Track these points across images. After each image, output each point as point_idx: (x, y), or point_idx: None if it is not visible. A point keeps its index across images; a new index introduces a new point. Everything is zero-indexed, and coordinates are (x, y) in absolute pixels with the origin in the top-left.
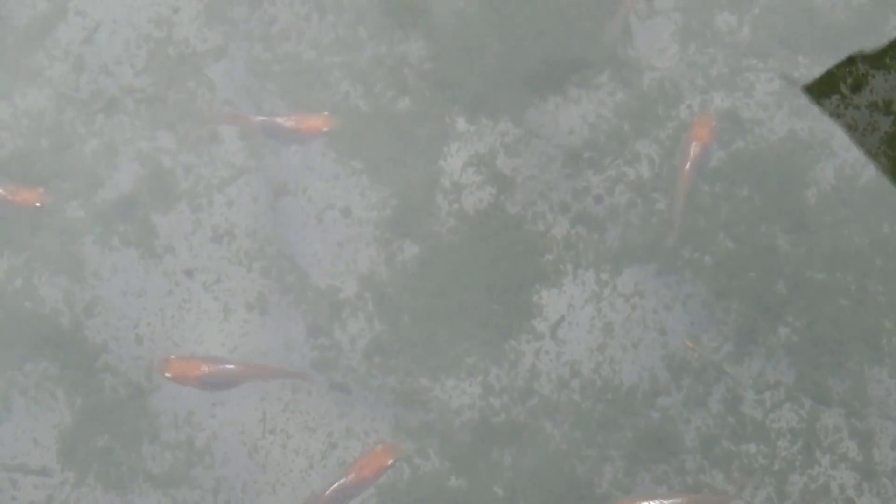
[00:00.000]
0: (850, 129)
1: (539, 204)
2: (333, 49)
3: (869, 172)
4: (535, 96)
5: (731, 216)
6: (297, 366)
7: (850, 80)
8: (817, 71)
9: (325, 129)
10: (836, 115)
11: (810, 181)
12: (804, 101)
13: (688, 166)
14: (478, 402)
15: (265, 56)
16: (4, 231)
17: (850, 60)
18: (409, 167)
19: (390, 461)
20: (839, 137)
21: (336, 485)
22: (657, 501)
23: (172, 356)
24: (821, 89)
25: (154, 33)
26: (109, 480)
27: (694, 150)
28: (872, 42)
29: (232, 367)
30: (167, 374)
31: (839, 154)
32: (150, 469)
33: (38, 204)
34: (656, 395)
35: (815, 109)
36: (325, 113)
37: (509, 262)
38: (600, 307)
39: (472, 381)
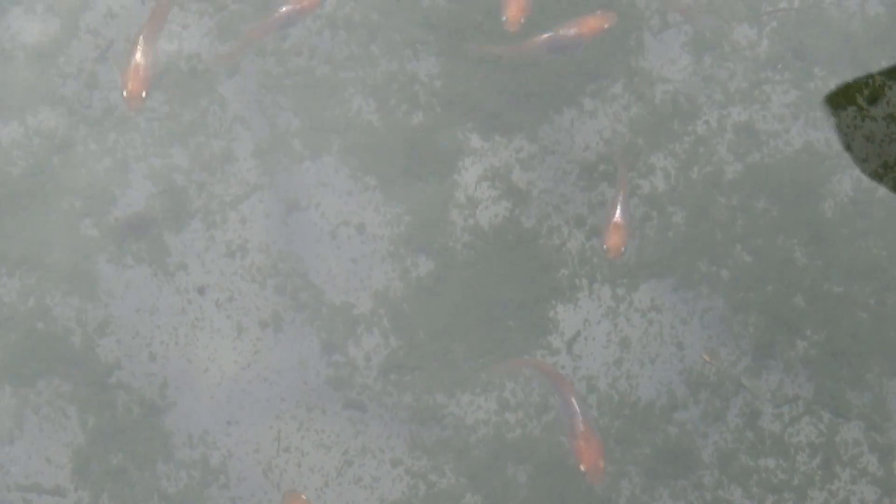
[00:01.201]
0: (868, 140)
1: (554, 218)
2: (346, 65)
3: (887, 184)
4: (549, 110)
5: (747, 229)
6: (312, 384)
7: (866, 92)
8: (833, 82)
9: (606, 25)
10: (852, 127)
11: (827, 193)
12: (820, 112)
13: None
14: (493, 418)
15: (277, 71)
16: (16, 251)
17: (867, 71)
18: (424, 182)
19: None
20: (856, 149)
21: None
22: None
23: (304, 497)
24: (837, 101)
25: (165, 49)
26: (123, 500)
27: None
28: (889, 53)
29: None
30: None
31: (856, 166)
32: (165, 489)
33: None
34: (674, 410)
35: (831, 121)
36: (598, 11)
37: (525, 277)
38: (616, 322)
39: (487, 396)
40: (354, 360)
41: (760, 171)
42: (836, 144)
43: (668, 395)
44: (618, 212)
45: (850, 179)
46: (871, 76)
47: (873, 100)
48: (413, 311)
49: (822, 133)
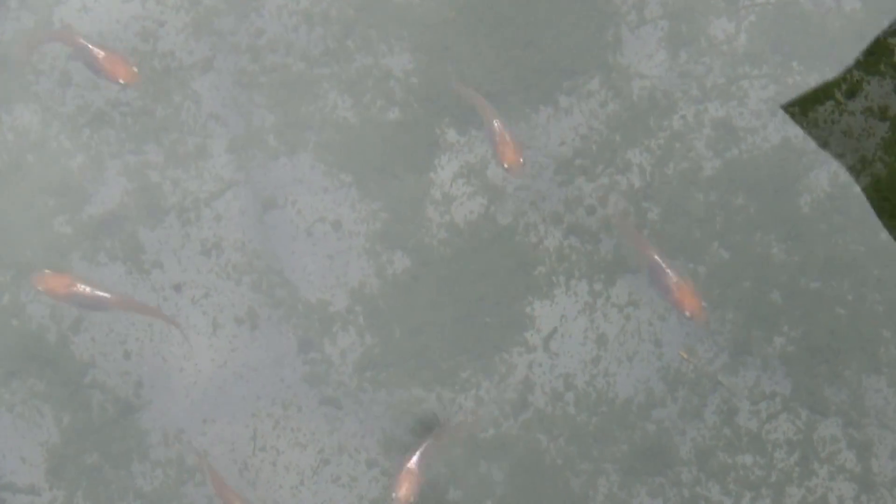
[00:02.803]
0: (845, 135)
1: (531, 215)
2: (321, 61)
3: (864, 179)
4: (525, 107)
5: (725, 225)
6: (288, 381)
7: (844, 87)
8: (811, 77)
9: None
10: (830, 122)
11: (805, 189)
12: (798, 108)
13: None
14: (470, 416)
15: (252, 68)
16: None
17: (845, 66)
18: (400, 179)
19: None
20: (834, 144)
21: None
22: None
23: (47, 271)
24: (815, 96)
25: (140, 46)
26: (98, 499)
27: None
28: (866, 48)
29: (103, 294)
30: (39, 288)
31: (834, 161)
32: (141, 487)
33: (121, 81)
34: (651, 407)
35: (809, 116)
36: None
37: (501, 273)
38: (593, 319)
39: (464, 394)
40: (330, 358)
41: (738, 167)
42: (814, 140)
43: (645, 392)
44: (501, 132)
45: (827, 175)
46: (848, 71)
47: (851, 94)
48: (389, 308)
49: (800, 129)
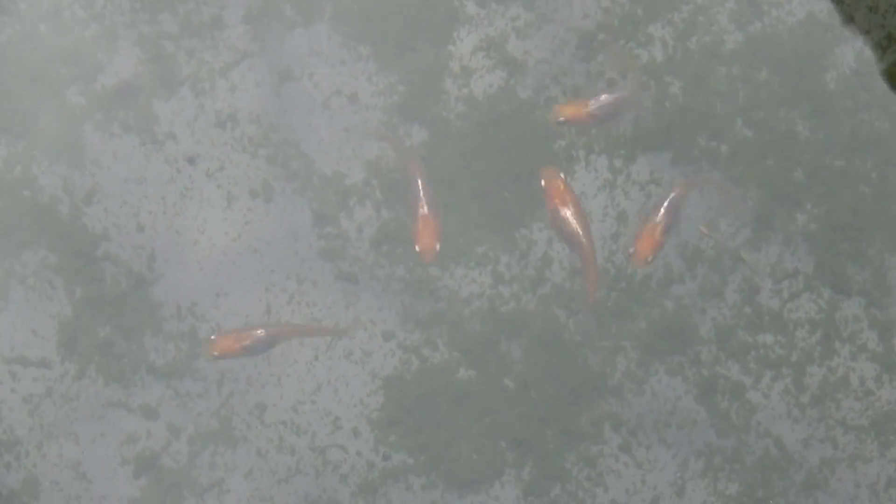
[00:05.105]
0: (871, 11)
1: (551, 88)
2: None
3: (890, 56)
4: None
5: (748, 101)
6: (303, 255)
7: None
8: None
9: None
10: None
11: (830, 65)
12: None
13: None
14: (488, 291)
15: None
16: (2, 118)
17: None
18: (418, 51)
19: None
20: (860, 20)
21: None
22: None
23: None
24: None
25: None
26: (111, 372)
27: None
28: None
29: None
30: (215, 354)
31: (859, 37)
32: (153, 361)
33: (416, 248)
34: (670, 284)
35: None
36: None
37: (520, 148)
38: (614, 195)
39: (482, 269)
40: (346, 232)
41: (762, 41)
42: (840, 15)
43: (664, 268)
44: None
45: (852, 51)
46: None
47: None
48: (406, 182)
49: (825, 3)
